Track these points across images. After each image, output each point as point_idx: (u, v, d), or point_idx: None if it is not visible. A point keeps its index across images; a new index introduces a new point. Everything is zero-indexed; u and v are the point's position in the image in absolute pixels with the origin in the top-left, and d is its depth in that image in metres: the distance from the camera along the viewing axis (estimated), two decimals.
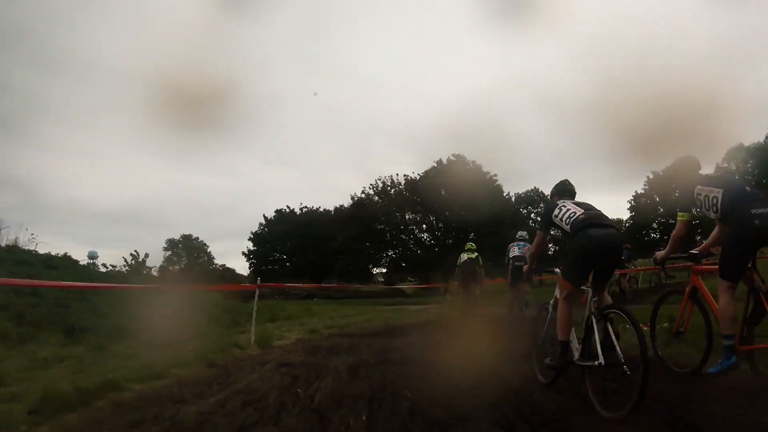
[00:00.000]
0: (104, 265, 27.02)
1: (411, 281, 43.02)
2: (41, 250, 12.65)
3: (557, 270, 4.06)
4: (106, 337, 7.26)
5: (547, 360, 3.84)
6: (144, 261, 32.74)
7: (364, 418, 3.24)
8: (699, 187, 3.79)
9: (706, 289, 4.02)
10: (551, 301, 4.11)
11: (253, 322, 7.76)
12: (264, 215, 51.96)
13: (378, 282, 58.61)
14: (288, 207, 51.10)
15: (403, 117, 62.79)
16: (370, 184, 38.23)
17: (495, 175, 35.14)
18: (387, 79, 66.81)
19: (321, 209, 48.93)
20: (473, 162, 34.88)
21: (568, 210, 3.82)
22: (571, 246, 3.71)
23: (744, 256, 3.53)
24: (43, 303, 8.04)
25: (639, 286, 16.68)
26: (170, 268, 61.35)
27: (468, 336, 7.75)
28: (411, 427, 3.05)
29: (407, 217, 36.63)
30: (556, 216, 3.91)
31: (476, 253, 10.57)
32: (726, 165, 36.21)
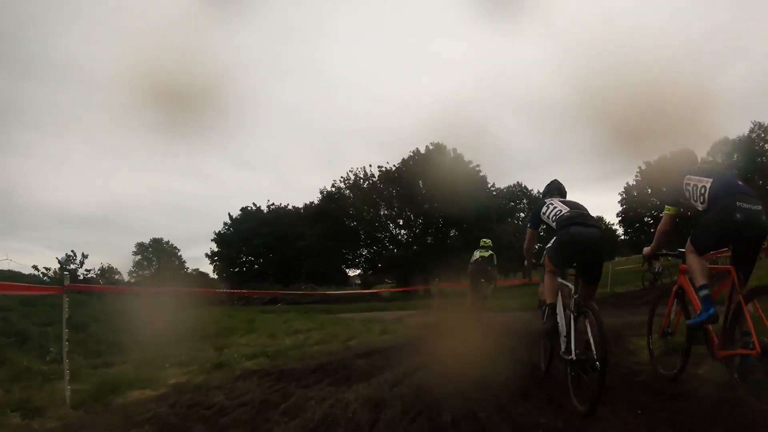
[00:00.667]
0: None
1: (389, 283, 39.68)
2: None
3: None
4: None
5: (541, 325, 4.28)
6: (82, 263, 28.78)
7: None
8: (688, 176, 3.65)
9: (691, 288, 3.71)
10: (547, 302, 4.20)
11: (65, 359, 4.12)
12: (229, 214, 47.98)
13: (355, 284, 55.67)
14: (254, 204, 47.23)
15: (376, 118, 61.88)
16: (341, 177, 34.54)
17: (478, 166, 31.97)
18: (358, 80, 67.02)
19: (289, 206, 45.19)
20: (454, 150, 31.60)
21: (555, 208, 4.05)
22: (555, 239, 4.12)
23: (718, 238, 3.45)
24: None
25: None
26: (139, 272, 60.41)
27: (475, 368, 4.34)
28: None
29: (382, 212, 32.99)
30: (544, 213, 4.16)
31: (491, 251, 9.78)
32: (711, 158, 35.15)
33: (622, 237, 45.36)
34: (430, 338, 7.50)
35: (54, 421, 3.50)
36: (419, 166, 31.29)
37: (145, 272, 62.03)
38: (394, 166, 32.62)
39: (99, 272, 31.61)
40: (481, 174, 31.38)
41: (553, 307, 4.03)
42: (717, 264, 4.39)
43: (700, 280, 3.40)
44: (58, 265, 25.98)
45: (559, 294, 4.05)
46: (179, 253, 62.10)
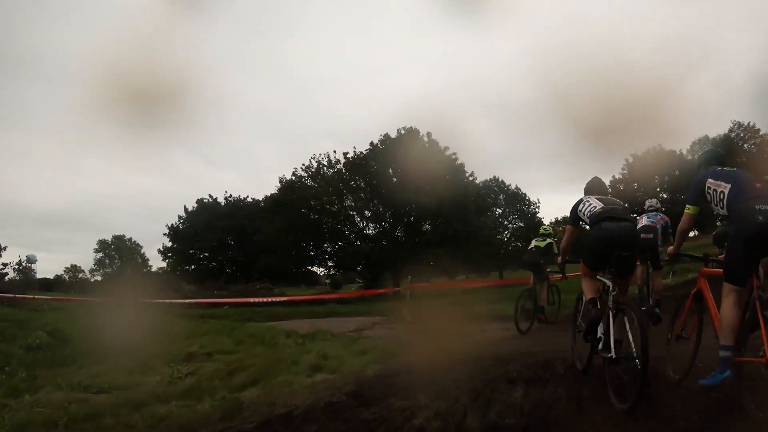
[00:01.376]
0: None
1: (359, 283, 36.19)
2: None
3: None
4: None
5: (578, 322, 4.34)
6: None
7: None
8: (710, 180, 3.66)
9: (710, 294, 3.70)
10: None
11: None
12: (185, 206, 43.80)
13: (325, 284, 52.24)
14: (211, 196, 43.18)
15: (346, 116, 60.88)
16: (302, 164, 30.84)
17: (455, 154, 28.77)
18: (326, 78, 67.36)
19: (249, 199, 41.22)
20: (428, 135, 28.30)
21: (590, 204, 4.16)
22: (588, 237, 4.07)
23: (749, 256, 3.24)
24: None
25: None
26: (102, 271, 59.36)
27: None
28: None
29: (346, 203, 29.36)
30: (580, 210, 4.23)
31: (549, 239, 8.71)
32: (690, 157, 34.42)
33: None
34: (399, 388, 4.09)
35: None
36: (389, 152, 27.92)
37: (107, 270, 60.72)
38: (362, 152, 29.13)
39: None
40: (458, 161, 28.14)
41: (594, 302, 3.93)
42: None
43: (726, 339, 3.22)
44: None
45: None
46: (142, 251, 60.08)
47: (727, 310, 3.24)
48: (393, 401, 3.67)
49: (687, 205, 3.81)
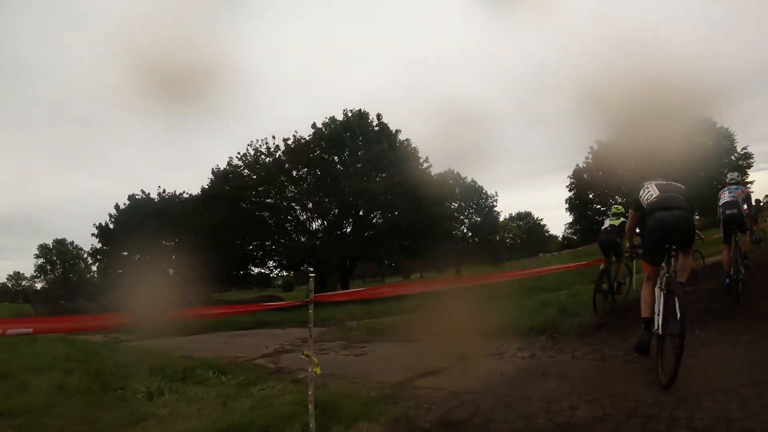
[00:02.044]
0: None
1: (304, 289, 32.70)
2: None
3: None
4: None
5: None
6: None
7: None
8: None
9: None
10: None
11: None
12: (116, 204, 39.55)
13: (277, 287, 48.76)
14: (143, 192, 39.05)
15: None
16: (238, 153, 27.27)
17: (408, 139, 25.94)
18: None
19: (185, 194, 37.22)
20: (379, 118, 25.36)
21: (648, 191, 4.26)
22: (644, 227, 4.25)
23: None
24: None
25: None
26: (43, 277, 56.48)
27: None
28: None
29: (289, 194, 26.01)
30: (641, 196, 4.33)
31: (621, 218, 8.13)
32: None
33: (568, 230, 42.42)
34: None
35: None
36: (336, 137, 24.85)
37: (50, 276, 57.63)
38: (303, 138, 25.87)
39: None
40: (411, 146, 25.31)
41: (649, 322, 3.99)
42: None
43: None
44: None
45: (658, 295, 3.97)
46: (85, 255, 54.98)
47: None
48: None
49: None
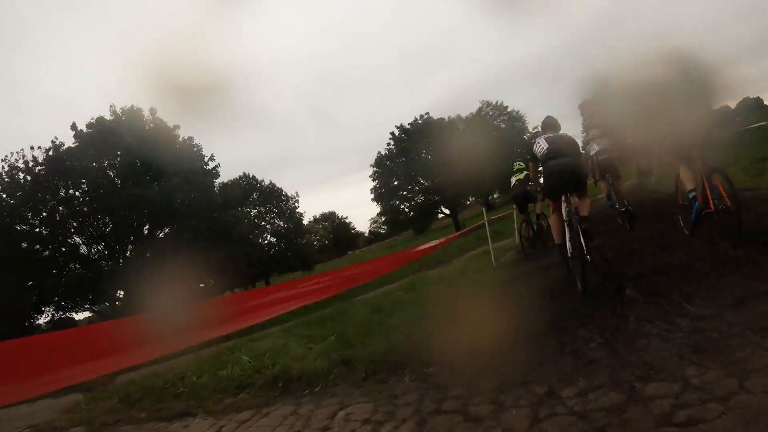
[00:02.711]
0: None
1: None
2: None
3: None
4: None
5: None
6: None
7: None
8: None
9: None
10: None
11: None
12: None
13: None
14: None
15: None
16: None
17: (191, 137, 23.52)
18: None
19: None
20: (152, 112, 22.44)
21: (539, 145, 4.96)
22: (543, 174, 5.06)
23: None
24: None
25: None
26: None
27: None
28: None
29: (57, 217, 21.29)
30: (534, 150, 5.03)
31: (525, 171, 9.12)
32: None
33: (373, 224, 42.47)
34: None
35: None
36: (102, 141, 21.32)
37: None
38: (63, 144, 21.67)
39: None
40: (194, 144, 22.92)
41: (561, 246, 4.90)
42: None
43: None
44: None
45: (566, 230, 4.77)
46: None
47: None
48: None
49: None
